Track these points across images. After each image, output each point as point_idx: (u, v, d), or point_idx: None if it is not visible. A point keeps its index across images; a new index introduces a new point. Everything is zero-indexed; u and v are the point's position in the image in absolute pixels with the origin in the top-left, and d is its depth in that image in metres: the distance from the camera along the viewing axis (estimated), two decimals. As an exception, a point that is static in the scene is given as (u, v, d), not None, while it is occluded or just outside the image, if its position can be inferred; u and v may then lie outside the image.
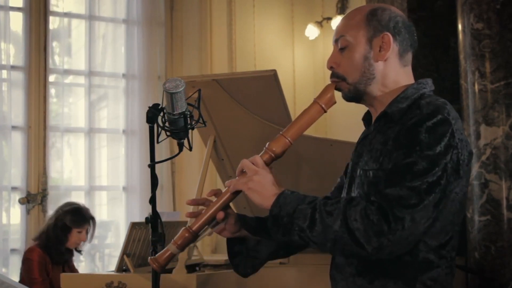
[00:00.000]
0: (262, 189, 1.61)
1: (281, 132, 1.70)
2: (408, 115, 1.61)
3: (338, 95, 1.74)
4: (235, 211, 1.81)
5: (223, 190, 1.72)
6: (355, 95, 1.73)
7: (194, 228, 1.68)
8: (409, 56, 1.74)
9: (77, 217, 3.84)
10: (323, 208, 1.53)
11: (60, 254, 3.83)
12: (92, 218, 3.94)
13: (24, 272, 3.79)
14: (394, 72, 1.71)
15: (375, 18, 1.70)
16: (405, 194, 1.48)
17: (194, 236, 1.69)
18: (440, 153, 1.52)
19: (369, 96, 1.72)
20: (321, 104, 1.72)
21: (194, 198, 1.76)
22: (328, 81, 1.77)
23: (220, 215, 1.69)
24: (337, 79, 1.73)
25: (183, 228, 1.70)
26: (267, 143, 1.69)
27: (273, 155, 1.67)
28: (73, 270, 3.98)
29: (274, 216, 1.57)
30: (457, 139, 1.55)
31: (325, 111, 1.73)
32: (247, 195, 1.63)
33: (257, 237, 1.81)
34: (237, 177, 1.67)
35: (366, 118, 1.82)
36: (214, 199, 1.73)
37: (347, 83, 1.71)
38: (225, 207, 1.71)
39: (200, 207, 1.76)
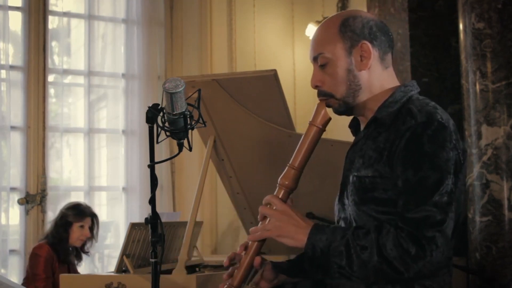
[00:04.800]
0: (288, 233, 1.62)
1: (288, 164, 1.72)
2: (399, 119, 1.61)
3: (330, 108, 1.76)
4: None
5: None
6: (346, 109, 1.74)
7: (235, 284, 1.70)
8: (389, 57, 1.75)
9: (76, 211, 3.93)
10: (356, 243, 1.53)
11: (67, 253, 3.89)
12: (94, 215, 4.01)
13: (29, 267, 3.84)
14: (378, 77, 1.71)
15: (348, 28, 1.69)
16: (430, 213, 1.49)
17: None
18: (447, 159, 1.53)
19: (359, 107, 1.73)
20: (317, 125, 1.74)
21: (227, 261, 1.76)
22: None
23: (257, 260, 1.70)
24: (325, 97, 1.73)
25: (225, 286, 1.71)
26: (279, 179, 1.71)
27: (287, 189, 1.69)
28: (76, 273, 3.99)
29: (309, 258, 1.59)
30: (454, 140, 1.56)
31: (324, 130, 1.75)
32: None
33: (295, 279, 1.82)
34: (260, 223, 1.68)
35: (353, 125, 1.82)
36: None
37: (336, 99, 1.72)
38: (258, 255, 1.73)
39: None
